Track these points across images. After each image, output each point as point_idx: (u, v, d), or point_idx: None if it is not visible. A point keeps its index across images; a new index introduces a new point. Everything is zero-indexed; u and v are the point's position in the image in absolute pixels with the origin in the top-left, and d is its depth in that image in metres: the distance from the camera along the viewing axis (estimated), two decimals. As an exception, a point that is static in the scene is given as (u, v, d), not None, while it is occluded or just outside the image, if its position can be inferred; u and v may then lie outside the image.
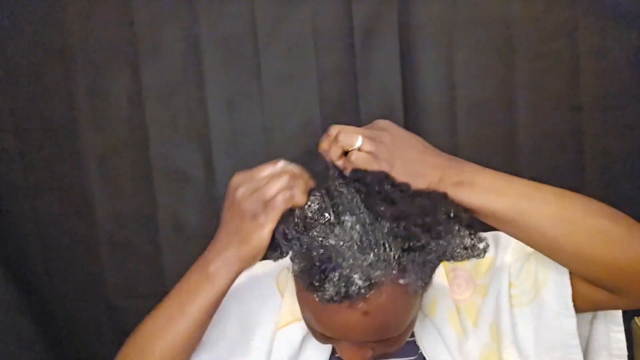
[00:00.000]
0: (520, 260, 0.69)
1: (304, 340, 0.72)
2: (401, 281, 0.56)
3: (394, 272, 0.56)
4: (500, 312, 0.68)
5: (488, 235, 0.61)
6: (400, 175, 0.59)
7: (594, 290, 0.62)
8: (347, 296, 0.55)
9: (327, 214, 0.58)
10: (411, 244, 0.55)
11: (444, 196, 0.58)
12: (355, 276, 0.54)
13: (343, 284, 0.54)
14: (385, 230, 0.56)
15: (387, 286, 0.56)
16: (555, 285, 0.65)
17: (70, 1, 0.97)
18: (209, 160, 1.02)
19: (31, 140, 1.01)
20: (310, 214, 0.59)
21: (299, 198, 0.60)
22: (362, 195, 0.58)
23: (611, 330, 0.69)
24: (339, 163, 0.62)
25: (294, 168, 0.63)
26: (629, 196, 1.01)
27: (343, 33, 0.99)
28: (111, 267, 1.05)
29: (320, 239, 0.57)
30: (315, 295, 0.56)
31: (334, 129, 0.63)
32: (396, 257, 0.56)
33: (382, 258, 0.55)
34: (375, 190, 0.58)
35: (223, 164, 1.02)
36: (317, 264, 0.56)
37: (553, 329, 0.65)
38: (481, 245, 0.59)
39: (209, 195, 1.03)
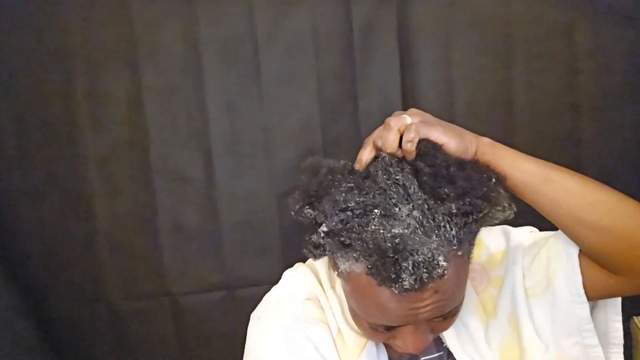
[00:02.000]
0: (532, 253, 0.71)
1: None
2: (460, 252, 0.57)
3: (454, 247, 0.56)
4: (517, 304, 0.69)
5: (497, 228, 0.62)
6: (448, 135, 0.61)
7: (603, 276, 0.64)
8: (427, 281, 0.55)
9: (376, 210, 0.57)
10: (473, 217, 0.57)
11: (483, 164, 0.61)
12: (440, 258, 0.54)
13: (424, 270, 0.54)
14: (443, 210, 0.56)
15: (450, 260, 0.56)
16: (567, 274, 0.66)
17: (70, 1, 0.98)
18: (209, 160, 1.02)
19: (31, 141, 1.01)
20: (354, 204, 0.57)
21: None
22: (424, 180, 0.58)
23: (611, 319, 0.71)
24: (396, 148, 0.61)
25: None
26: (627, 195, 1.01)
27: (342, 33, 0.99)
28: (111, 267, 1.05)
29: (382, 231, 0.55)
30: (392, 288, 0.55)
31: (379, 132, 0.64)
32: (456, 232, 0.56)
33: (444, 237, 0.56)
34: (436, 172, 0.57)
35: (223, 164, 1.02)
36: (391, 255, 0.54)
37: (567, 316, 0.67)
38: (511, 204, 0.61)
39: (209, 195, 1.03)
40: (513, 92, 1.01)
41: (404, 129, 0.61)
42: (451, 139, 0.61)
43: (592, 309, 0.71)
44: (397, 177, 0.58)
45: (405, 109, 1.00)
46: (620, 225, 0.61)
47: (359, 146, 1.05)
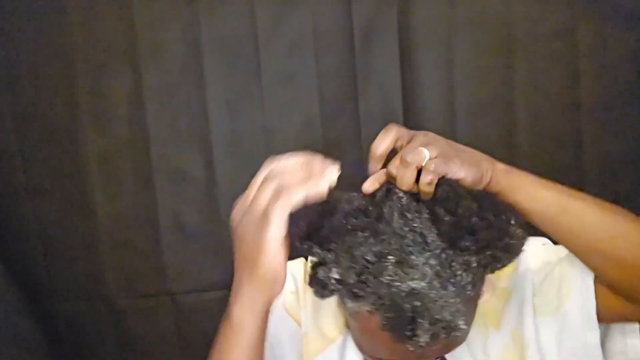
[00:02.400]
0: (544, 271, 0.69)
1: None
2: (472, 294, 0.55)
3: (468, 292, 0.54)
4: (523, 320, 0.68)
5: None
6: (465, 168, 0.58)
7: (618, 303, 0.63)
8: (444, 340, 0.53)
9: (390, 257, 0.53)
10: (492, 267, 0.55)
11: (505, 203, 0.59)
12: (461, 322, 0.52)
13: (443, 329, 0.51)
14: (461, 261, 0.53)
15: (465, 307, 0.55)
16: (581, 296, 0.65)
17: (70, 1, 0.98)
18: (209, 160, 1.02)
19: (31, 140, 1.01)
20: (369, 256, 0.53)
21: (295, 194, 0.51)
22: (443, 229, 0.54)
23: (627, 336, 0.69)
24: (413, 186, 0.57)
25: (286, 163, 0.55)
26: (629, 196, 1.01)
27: (343, 33, 0.99)
28: (112, 266, 1.05)
29: (398, 283, 0.52)
30: (408, 345, 0.52)
31: (377, 151, 0.60)
32: (472, 279, 0.54)
33: (460, 285, 0.53)
34: (456, 222, 0.54)
35: (223, 164, 1.02)
36: (409, 314, 0.51)
37: (576, 341, 0.65)
38: (525, 236, 0.59)
39: (209, 195, 1.03)
40: (514, 93, 1.01)
41: (421, 164, 0.57)
42: (469, 173, 0.58)
43: (607, 327, 0.70)
44: (415, 225, 0.55)
45: (405, 109, 1.01)
46: (637, 254, 0.58)
47: (359, 146, 1.05)
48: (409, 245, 0.54)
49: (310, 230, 0.57)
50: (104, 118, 1.01)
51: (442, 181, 0.57)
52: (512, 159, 1.01)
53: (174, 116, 1.01)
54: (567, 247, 0.63)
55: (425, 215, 0.55)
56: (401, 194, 0.57)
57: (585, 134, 1.01)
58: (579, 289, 0.65)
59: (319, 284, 0.55)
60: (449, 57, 1.00)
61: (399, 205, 0.56)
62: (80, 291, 1.06)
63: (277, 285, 0.54)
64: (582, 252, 0.62)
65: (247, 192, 0.57)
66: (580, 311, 0.65)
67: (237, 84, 1.01)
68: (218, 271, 1.05)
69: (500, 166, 0.62)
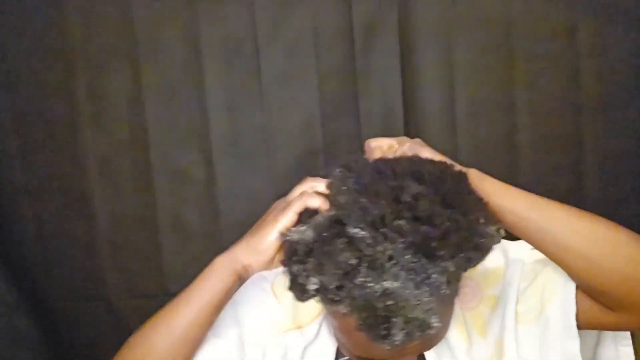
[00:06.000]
0: (529, 278, 0.69)
1: (305, 350, 0.71)
2: (447, 292, 0.55)
3: (442, 290, 0.54)
4: (505, 327, 0.68)
5: (496, 246, 0.60)
6: (437, 156, 0.65)
7: (599, 311, 0.63)
8: (419, 338, 0.53)
9: (364, 263, 0.53)
10: (466, 267, 0.55)
11: (473, 200, 0.59)
12: (433, 320, 0.52)
13: (417, 328, 0.52)
14: (437, 268, 0.53)
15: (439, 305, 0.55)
16: (561, 303, 0.65)
17: (70, 1, 0.98)
18: (209, 160, 1.02)
19: (31, 140, 1.01)
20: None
21: (314, 200, 0.62)
22: (412, 241, 0.53)
23: (619, 343, 0.69)
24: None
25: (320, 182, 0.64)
26: (629, 196, 1.01)
27: (343, 33, 0.99)
28: (111, 267, 1.05)
29: (371, 284, 0.53)
30: (383, 344, 0.53)
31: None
32: (446, 279, 0.54)
33: (434, 285, 0.53)
34: (427, 230, 0.53)
35: (223, 164, 1.02)
36: (382, 313, 0.52)
37: (556, 349, 0.65)
38: (499, 230, 0.60)
39: (209, 195, 1.03)
40: (514, 92, 1.01)
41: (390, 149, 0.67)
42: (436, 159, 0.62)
43: (599, 335, 0.70)
44: (385, 238, 0.54)
45: (406, 108, 1.01)
46: (609, 255, 0.59)
47: (359, 146, 1.05)
48: (378, 257, 0.54)
49: (290, 254, 0.59)
50: (103, 118, 1.01)
51: (405, 185, 0.57)
52: (512, 159, 1.02)
53: (173, 116, 1.01)
54: (539, 247, 0.63)
55: (396, 224, 0.54)
56: (368, 207, 0.56)
57: (585, 134, 1.01)
58: (560, 295, 0.65)
59: (298, 290, 0.58)
60: (449, 56, 1.00)
61: (365, 220, 0.55)
62: (80, 291, 1.06)
63: (261, 257, 0.63)
64: (552, 251, 0.62)
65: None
66: (561, 317, 0.65)
67: (237, 84, 1.00)
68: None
69: (473, 171, 0.64)
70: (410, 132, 1.00)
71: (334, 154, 1.01)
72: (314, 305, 0.70)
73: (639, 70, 0.99)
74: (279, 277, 0.76)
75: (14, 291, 1.02)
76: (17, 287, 1.02)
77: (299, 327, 0.71)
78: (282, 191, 1.05)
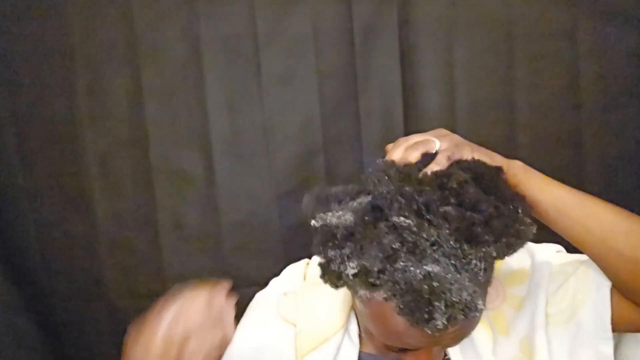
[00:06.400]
0: (559, 280, 0.68)
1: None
2: (483, 280, 0.56)
3: (479, 278, 0.54)
4: (535, 329, 0.67)
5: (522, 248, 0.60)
6: (476, 154, 0.61)
7: (634, 312, 0.62)
8: (461, 322, 0.53)
9: (404, 248, 0.54)
10: (507, 252, 0.55)
11: (511, 192, 0.60)
12: (479, 302, 0.52)
13: (461, 311, 0.52)
14: (479, 254, 0.54)
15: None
16: (595, 306, 0.64)
17: (70, 1, 0.98)
18: (209, 160, 1.02)
19: (32, 139, 1.01)
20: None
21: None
22: (457, 227, 0.54)
23: None
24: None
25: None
26: (629, 196, 1.01)
27: (343, 33, 0.99)
28: (111, 267, 1.05)
29: (412, 268, 0.53)
30: (425, 328, 0.53)
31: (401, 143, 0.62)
32: (484, 266, 0.55)
33: (472, 271, 0.54)
34: (471, 216, 0.54)
35: (223, 164, 1.02)
36: (426, 295, 0.52)
37: (589, 351, 0.64)
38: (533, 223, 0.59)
39: (209, 195, 1.03)
40: (514, 92, 1.01)
41: (431, 151, 0.60)
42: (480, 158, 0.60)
43: (620, 334, 0.69)
44: (430, 225, 0.55)
45: (406, 108, 1.01)
46: None
47: (359, 146, 1.05)
48: (423, 242, 0.54)
49: (326, 237, 0.58)
50: (103, 117, 1.01)
51: (451, 172, 0.58)
52: (512, 159, 1.01)
53: (173, 116, 1.01)
54: (582, 245, 0.62)
55: (442, 210, 0.55)
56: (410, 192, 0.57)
57: (585, 134, 1.01)
58: (593, 299, 0.64)
59: (333, 275, 0.56)
60: (449, 56, 1.00)
61: (405, 205, 0.56)
62: (80, 291, 1.06)
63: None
64: (597, 251, 0.61)
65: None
66: (595, 321, 0.64)
67: (237, 83, 1.00)
68: (217, 272, 1.05)
69: (518, 163, 0.63)
70: (410, 132, 1.00)
71: (333, 154, 1.01)
72: (331, 317, 0.69)
73: (638, 70, 0.99)
74: (283, 301, 0.74)
75: (14, 291, 1.02)
76: (17, 287, 1.02)
77: (325, 341, 0.69)
78: (282, 191, 1.06)
